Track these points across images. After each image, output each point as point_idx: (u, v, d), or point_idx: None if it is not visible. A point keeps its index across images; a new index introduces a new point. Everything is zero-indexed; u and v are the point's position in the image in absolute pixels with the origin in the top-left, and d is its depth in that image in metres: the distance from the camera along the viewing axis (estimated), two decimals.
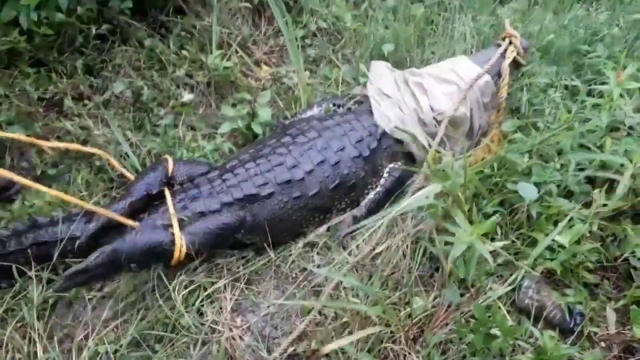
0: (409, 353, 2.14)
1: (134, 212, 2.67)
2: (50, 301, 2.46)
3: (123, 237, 2.43)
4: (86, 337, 2.33)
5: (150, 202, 2.74)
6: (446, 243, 2.39)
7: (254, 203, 2.70)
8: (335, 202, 2.88)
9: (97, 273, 2.34)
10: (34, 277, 2.38)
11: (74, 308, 2.48)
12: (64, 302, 2.49)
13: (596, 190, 2.56)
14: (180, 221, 2.55)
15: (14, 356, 2.26)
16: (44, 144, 2.86)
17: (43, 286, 2.44)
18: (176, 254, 2.41)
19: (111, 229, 2.56)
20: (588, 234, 2.51)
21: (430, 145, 3.04)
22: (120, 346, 2.27)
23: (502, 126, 3.08)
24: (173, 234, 2.44)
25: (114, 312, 2.42)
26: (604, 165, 2.70)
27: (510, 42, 3.33)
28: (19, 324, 2.35)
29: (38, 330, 2.32)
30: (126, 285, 2.48)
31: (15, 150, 3.12)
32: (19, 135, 2.86)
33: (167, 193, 2.73)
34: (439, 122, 3.06)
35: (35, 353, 2.26)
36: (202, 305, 2.46)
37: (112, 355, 2.23)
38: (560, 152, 2.82)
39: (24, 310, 2.37)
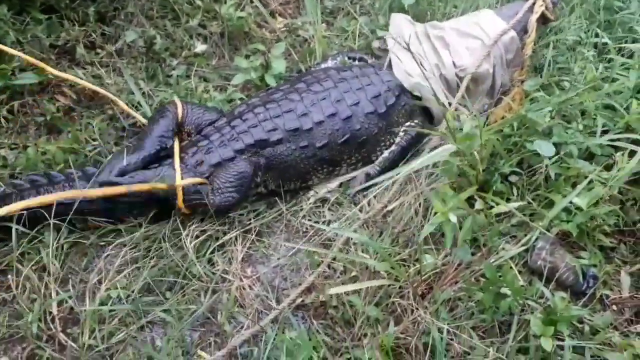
0: (417, 308, 2.13)
1: (146, 165, 2.66)
2: (65, 247, 2.49)
3: None
4: (99, 282, 2.37)
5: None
6: None
7: (265, 148, 2.69)
8: (345, 156, 2.83)
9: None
10: (51, 224, 2.40)
11: (88, 255, 2.51)
12: (79, 249, 2.52)
13: (619, 153, 2.47)
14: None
15: (30, 296, 2.31)
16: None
17: (59, 232, 2.47)
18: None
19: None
20: (607, 197, 2.43)
21: (450, 104, 2.96)
22: (132, 291, 2.31)
23: (525, 84, 2.96)
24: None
25: (127, 259, 2.45)
26: (628, 128, 2.60)
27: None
28: (34, 267, 2.39)
29: (53, 273, 2.36)
30: (140, 234, 2.50)
31: (28, 94, 3.10)
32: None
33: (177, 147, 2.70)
34: (461, 79, 2.96)
35: (50, 295, 2.31)
36: (213, 255, 2.47)
37: (124, 300, 2.27)
38: (584, 113, 2.72)
39: (42, 253, 2.40)
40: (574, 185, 2.46)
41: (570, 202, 2.36)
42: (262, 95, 2.92)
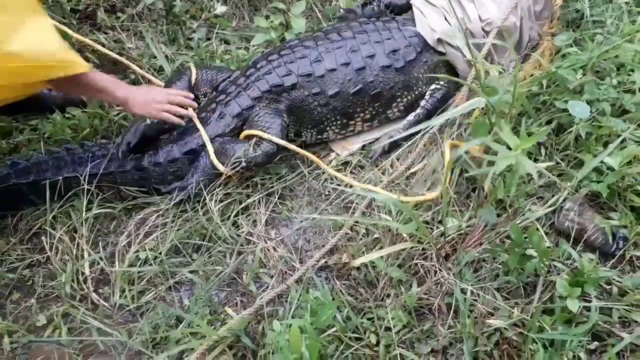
0: (440, 270, 2.13)
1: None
2: (95, 211, 2.55)
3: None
4: (129, 245, 2.43)
5: None
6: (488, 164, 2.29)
7: (282, 94, 2.70)
8: (358, 109, 2.79)
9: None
10: (85, 190, 2.46)
11: (117, 219, 2.57)
12: (108, 214, 2.59)
13: None
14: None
15: (63, 258, 2.39)
16: None
17: (92, 195, 2.53)
18: None
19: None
20: None
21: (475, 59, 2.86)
22: (160, 253, 2.36)
23: (555, 39, 2.82)
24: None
25: (155, 223, 2.50)
26: None
27: None
28: (65, 231, 2.46)
29: (84, 236, 2.44)
30: (167, 199, 2.54)
31: None
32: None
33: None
34: (487, 33, 2.84)
35: (82, 256, 2.39)
36: (238, 218, 2.50)
37: (152, 261, 2.33)
38: (619, 68, 2.60)
39: (73, 218, 2.48)
40: (605, 145, 2.38)
41: (601, 162, 2.28)
42: (278, 46, 2.92)
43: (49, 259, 2.39)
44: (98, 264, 2.36)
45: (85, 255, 2.36)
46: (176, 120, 2.54)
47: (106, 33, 3.32)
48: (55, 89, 2.76)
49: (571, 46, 2.75)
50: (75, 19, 3.33)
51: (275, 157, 2.65)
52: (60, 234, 2.43)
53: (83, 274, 2.32)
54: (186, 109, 2.62)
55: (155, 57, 3.23)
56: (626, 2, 2.86)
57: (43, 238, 2.44)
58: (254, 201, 2.58)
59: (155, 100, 2.51)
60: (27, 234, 2.49)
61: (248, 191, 2.61)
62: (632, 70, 2.51)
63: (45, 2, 3.21)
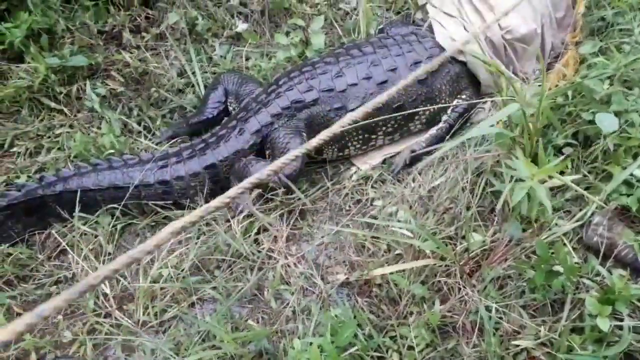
0: (464, 287, 2.08)
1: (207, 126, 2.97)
2: (119, 228, 2.60)
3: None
4: (152, 262, 2.46)
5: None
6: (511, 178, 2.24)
7: (302, 110, 2.71)
8: (380, 122, 2.77)
9: None
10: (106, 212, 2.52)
11: (140, 236, 2.61)
12: (132, 230, 2.63)
13: None
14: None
15: (88, 274, 2.43)
16: None
17: (114, 217, 2.58)
18: None
19: None
20: None
21: (498, 69, 2.82)
22: (182, 270, 2.38)
23: (580, 48, 2.77)
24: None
25: (178, 240, 2.52)
26: None
27: None
28: (91, 247, 2.51)
29: (108, 251, 2.48)
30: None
31: (81, 78, 3.21)
32: None
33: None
34: (507, 41, 2.80)
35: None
36: (259, 235, 2.50)
37: (174, 278, 2.35)
38: None
39: (99, 235, 2.52)
40: (635, 157, 2.30)
41: (631, 175, 2.21)
42: (301, 64, 2.95)
43: (75, 276, 2.44)
44: (121, 281, 2.39)
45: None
46: None
47: (131, 52, 3.40)
48: None
49: (597, 55, 2.69)
50: (102, 40, 3.42)
51: (299, 177, 2.65)
52: (86, 252, 2.47)
53: (106, 294, 2.35)
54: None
55: (179, 76, 3.30)
56: None
57: (69, 255, 2.49)
58: (276, 217, 2.58)
59: None
60: (54, 252, 2.55)
61: (270, 205, 2.61)
62: None
63: (73, 25, 3.32)
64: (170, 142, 2.99)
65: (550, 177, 2.24)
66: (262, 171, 1.16)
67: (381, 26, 3.30)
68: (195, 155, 2.67)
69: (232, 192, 1.09)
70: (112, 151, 2.86)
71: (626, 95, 2.42)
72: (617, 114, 2.36)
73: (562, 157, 2.09)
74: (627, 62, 2.45)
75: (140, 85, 3.30)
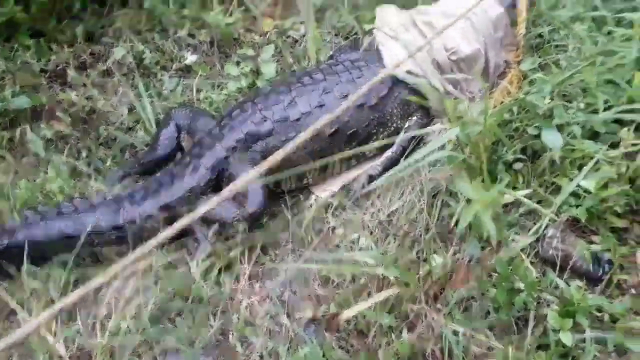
0: (430, 312, 2.10)
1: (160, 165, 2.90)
2: (73, 280, 2.48)
3: None
4: (109, 315, 2.35)
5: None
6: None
7: (257, 142, 2.69)
8: (336, 148, 2.77)
9: None
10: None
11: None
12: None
13: (624, 130, 2.39)
14: None
15: (40, 335, 2.30)
16: None
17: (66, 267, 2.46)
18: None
19: None
20: (616, 177, 2.36)
21: (445, 90, 2.90)
22: (142, 321, 2.29)
23: (521, 65, 2.87)
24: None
25: (135, 288, 2.43)
26: (632, 102, 2.51)
27: None
28: (43, 305, 2.38)
29: (61, 310, 2.35)
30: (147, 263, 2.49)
31: (24, 120, 3.08)
32: None
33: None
34: (454, 62, 2.89)
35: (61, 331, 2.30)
36: (220, 275, 2.44)
37: (134, 330, 2.25)
38: (585, 90, 2.63)
39: (50, 287, 2.40)
40: (580, 168, 2.39)
41: (578, 186, 2.29)
42: (252, 94, 2.94)
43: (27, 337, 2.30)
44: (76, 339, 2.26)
45: (59, 333, 2.26)
46: None
47: (77, 90, 3.29)
48: None
49: (537, 71, 2.80)
50: (45, 79, 3.31)
51: (264, 213, 2.62)
52: (37, 311, 2.33)
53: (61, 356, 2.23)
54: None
55: (129, 113, 3.22)
56: (586, 28, 2.91)
57: (20, 314, 2.35)
58: (236, 255, 2.53)
59: None
60: (2, 312, 2.40)
61: (229, 243, 2.55)
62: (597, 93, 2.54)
63: (14, 65, 3.20)
64: (122, 183, 2.89)
65: (504, 193, 2.31)
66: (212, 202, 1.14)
67: (331, 52, 3.33)
68: (149, 196, 2.60)
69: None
70: (61, 197, 2.74)
71: (567, 109, 2.52)
72: (560, 127, 2.45)
73: (505, 181, 2.15)
74: (564, 77, 2.56)
75: (88, 124, 3.20)
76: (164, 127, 2.95)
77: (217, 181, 2.67)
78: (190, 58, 3.47)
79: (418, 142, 2.94)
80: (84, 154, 3.06)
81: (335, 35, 3.58)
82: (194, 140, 2.84)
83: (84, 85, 3.32)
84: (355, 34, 3.52)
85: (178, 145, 2.95)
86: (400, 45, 2.92)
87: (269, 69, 3.18)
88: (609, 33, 2.86)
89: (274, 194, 2.82)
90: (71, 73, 3.32)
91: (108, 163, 3.04)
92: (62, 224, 2.48)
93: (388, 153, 2.89)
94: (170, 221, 2.57)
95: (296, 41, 3.56)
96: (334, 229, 2.64)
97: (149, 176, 2.86)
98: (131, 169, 2.95)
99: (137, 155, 3.05)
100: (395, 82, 2.88)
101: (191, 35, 3.54)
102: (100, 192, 2.84)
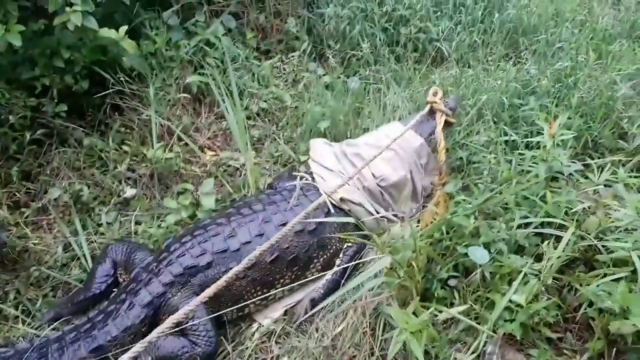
0: None
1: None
2: None
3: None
4: None
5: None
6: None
7: (196, 275, 2.66)
8: (278, 275, 2.80)
9: None
10: None
11: None
12: None
13: (545, 243, 2.56)
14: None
15: None
16: None
17: None
18: None
19: None
20: (543, 289, 2.48)
21: (378, 212, 3.06)
22: None
23: (446, 187, 3.10)
24: None
25: None
26: (549, 216, 2.72)
27: (432, 110, 3.39)
28: None
29: None
30: None
31: None
32: None
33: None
34: (383, 188, 3.09)
35: None
36: None
37: None
38: (506, 208, 2.84)
39: None
40: (510, 282, 2.49)
41: (510, 301, 2.37)
42: (191, 227, 2.95)
43: None
44: None
45: None
46: None
47: (9, 230, 3.20)
48: None
49: (458, 194, 3.00)
50: None
51: (217, 347, 2.55)
52: None
53: None
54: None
55: (64, 250, 3.14)
56: (497, 153, 3.23)
57: None
58: None
59: None
60: None
61: None
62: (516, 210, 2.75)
63: None
64: (53, 326, 2.73)
65: (440, 311, 2.36)
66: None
67: (269, 181, 3.48)
68: (80, 338, 2.45)
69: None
70: None
71: (491, 227, 2.69)
72: (486, 244, 2.60)
73: (439, 300, 2.21)
74: (485, 198, 2.77)
75: (18, 264, 3.07)
76: (99, 264, 2.90)
77: (154, 318, 2.58)
78: (130, 192, 3.50)
79: (358, 262, 3.02)
80: (11, 296, 2.89)
81: (274, 163, 3.76)
82: (130, 276, 2.77)
83: (17, 224, 3.25)
84: (293, 160, 3.72)
85: (115, 282, 2.88)
86: (334, 174, 3.12)
87: (209, 201, 3.25)
88: (521, 155, 3.17)
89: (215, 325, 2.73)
90: (3, 213, 3.25)
91: (38, 303, 2.88)
92: None
93: (329, 276, 2.93)
94: None
95: (237, 169, 3.70)
96: (278, 357, 2.55)
97: (82, 315, 2.73)
98: (63, 309, 2.80)
99: (71, 295, 2.91)
100: (331, 208, 3.02)
101: (131, 170, 3.60)
102: (27, 336, 2.67)
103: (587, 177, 2.89)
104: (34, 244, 3.11)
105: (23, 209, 3.32)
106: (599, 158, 3.27)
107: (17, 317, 2.81)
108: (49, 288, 2.99)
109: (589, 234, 2.51)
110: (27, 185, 3.42)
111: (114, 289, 2.83)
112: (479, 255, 2.47)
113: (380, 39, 4.51)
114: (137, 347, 1.74)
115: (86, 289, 2.85)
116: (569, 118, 3.42)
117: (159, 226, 3.24)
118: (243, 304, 2.73)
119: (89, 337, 2.46)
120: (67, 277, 3.01)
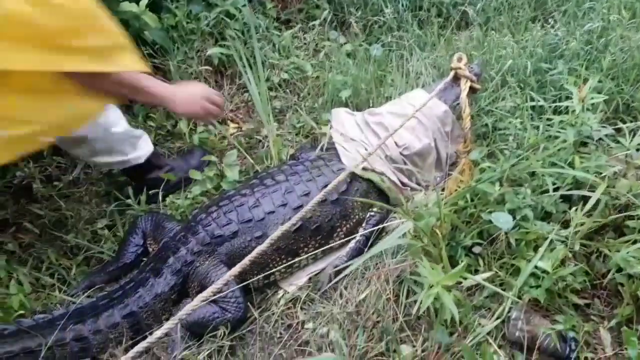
0: None
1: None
2: None
3: None
4: None
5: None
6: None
7: (222, 244, 2.72)
8: (302, 244, 2.84)
9: None
10: None
11: None
12: None
13: (573, 209, 2.52)
14: None
15: None
16: None
17: None
18: None
19: None
20: (571, 255, 2.45)
21: (401, 182, 3.05)
22: None
23: (470, 155, 3.06)
24: None
25: None
26: (577, 182, 2.67)
27: (456, 76, 3.32)
28: None
29: None
30: None
31: None
32: None
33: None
34: (406, 157, 3.07)
35: None
36: None
37: None
38: (533, 174, 2.79)
39: None
40: (536, 249, 2.47)
41: (536, 267, 2.36)
42: (216, 198, 3.01)
43: None
44: None
45: None
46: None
47: (42, 203, 3.32)
48: (91, 86, 2.45)
49: (484, 161, 2.96)
50: (9, 194, 3.34)
51: (246, 313, 2.61)
52: None
53: None
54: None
55: (94, 222, 3.24)
56: (523, 119, 3.15)
57: None
58: (204, 357, 2.46)
59: (200, 96, 2.59)
60: None
61: (195, 350, 2.49)
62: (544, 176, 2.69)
63: None
64: (87, 293, 2.84)
65: (465, 278, 2.36)
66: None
67: (292, 151, 3.49)
68: (113, 305, 2.55)
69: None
70: (22, 312, 2.67)
71: (517, 193, 2.65)
72: (512, 210, 2.57)
73: (464, 264, 2.20)
74: (510, 164, 2.73)
75: (54, 233, 3.18)
76: (129, 235, 2.99)
77: (183, 285, 2.66)
78: None
79: (381, 231, 3.04)
80: (47, 264, 3.01)
81: (296, 134, 3.76)
82: (159, 245, 2.85)
83: (50, 197, 3.36)
84: (315, 132, 3.71)
85: (145, 252, 2.97)
86: (356, 144, 3.11)
87: (233, 173, 3.29)
88: (549, 120, 3.10)
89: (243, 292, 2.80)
90: (37, 186, 3.36)
91: (72, 271, 3.00)
92: (21, 340, 2.39)
93: (352, 244, 2.95)
94: (135, 330, 2.53)
95: (260, 141, 3.72)
96: (303, 323, 2.60)
97: (114, 283, 2.84)
98: (97, 277, 2.91)
99: (103, 264, 3.02)
100: (354, 177, 3.02)
101: (156, 144, 3.64)
102: (64, 303, 2.79)
103: (618, 142, 2.80)
104: (69, 216, 3.20)
105: (55, 183, 3.42)
106: (631, 122, 3.15)
107: (53, 285, 2.92)
108: (82, 257, 3.09)
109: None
110: (57, 159, 3.52)
111: (143, 259, 2.93)
112: (502, 220, 2.45)
113: (403, 4, 4.41)
114: (169, 324, 1.80)
115: (117, 258, 2.95)
116: (600, 81, 3.30)
117: (185, 197, 3.30)
118: (269, 272, 2.79)
119: (121, 303, 2.56)
120: (99, 248, 3.10)
